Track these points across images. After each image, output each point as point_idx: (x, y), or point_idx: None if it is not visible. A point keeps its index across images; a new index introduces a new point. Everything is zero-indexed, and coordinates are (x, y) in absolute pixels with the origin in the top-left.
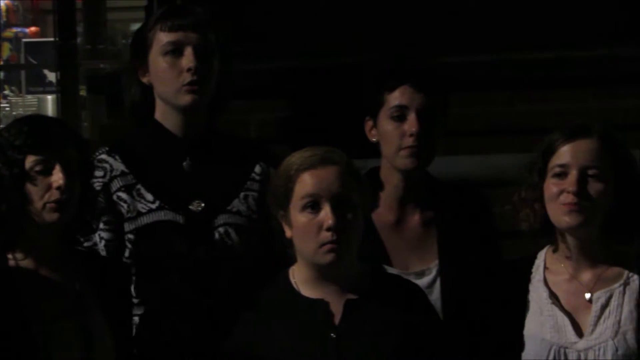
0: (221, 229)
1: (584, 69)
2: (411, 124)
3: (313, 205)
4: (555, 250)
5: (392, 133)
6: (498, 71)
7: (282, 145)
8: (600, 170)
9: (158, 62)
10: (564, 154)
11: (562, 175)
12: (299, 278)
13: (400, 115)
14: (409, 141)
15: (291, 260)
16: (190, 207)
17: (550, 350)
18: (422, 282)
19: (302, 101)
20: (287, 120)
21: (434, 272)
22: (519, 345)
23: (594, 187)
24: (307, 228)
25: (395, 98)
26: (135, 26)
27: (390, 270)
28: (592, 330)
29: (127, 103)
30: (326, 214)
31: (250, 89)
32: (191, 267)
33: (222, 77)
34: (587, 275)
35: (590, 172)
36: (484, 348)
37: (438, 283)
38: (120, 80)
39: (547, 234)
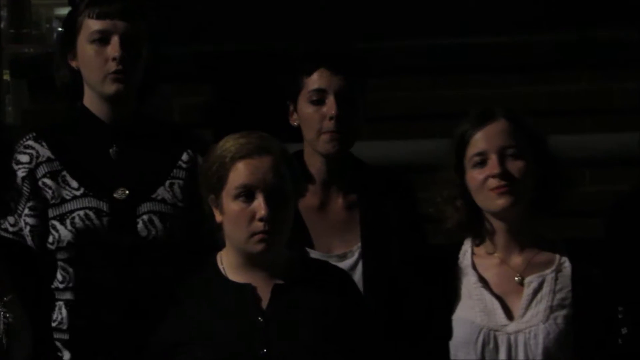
0: (145, 217)
1: (508, 54)
2: (330, 107)
3: (246, 194)
4: (479, 244)
5: (312, 117)
6: (422, 56)
7: (205, 130)
8: (517, 149)
9: (85, 49)
10: (478, 141)
11: (482, 163)
12: (227, 263)
13: (319, 98)
14: (329, 125)
15: (218, 247)
16: (115, 195)
17: (480, 333)
18: (344, 264)
19: (226, 86)
20: (210, 105)
21: (356, 255)
22: (448, 329)
23: (516, 165)
24: (239, 217)
25: (314, 82)
26: (60, 10)
27: (313, 253)
28: (523, 314)
29: (57, 87)
30: (259, 204)
31: (174, 74)
32: (114, 254)
33: (150, 63)
34: (517, 260)
35: (509, 151)
36: (412, 332)
37: (360, 266)
38: (44, 65)
39: (472, 227)
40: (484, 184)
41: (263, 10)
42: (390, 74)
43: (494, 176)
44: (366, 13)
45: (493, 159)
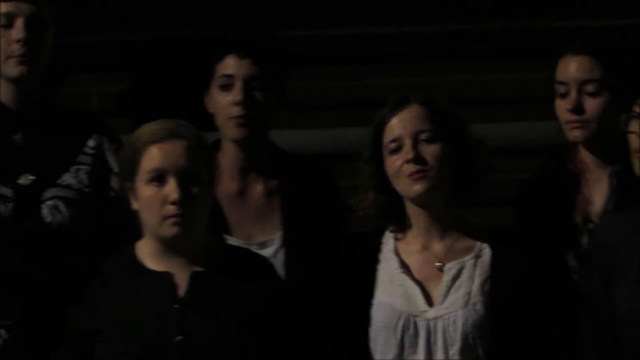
0: (50, 203)
1: (427, 44)
2: (236, 92)
3: (159, 178)
4: (401, 230)
5: (221, 103)
6: (344, 45)
7: (124, 119)
8: (432, 133)
9: None
10: (393, 127)
11: (398, 149)
12: (145, 251)
13: (227, 84)
14: (235, 110)
15: (127, 233)
16: (19, 180)
17: (400, 318)
18: (265, 252)
19: (145, 74)
20: (129, 93)
21: (277, 243)
22: (369, 313)
23: (430, 150)
24: (151, 201)
25: (223, 67)
26: None
27: (232, 241)
28: (443, 300)
29: None
30: (171, 188)
31: (92, 62)
32: (19, 239)
33: (58, 50)
34: (438, 246)
35: (422, 136)
36: (333, 318)
37: (281, 254)
38: None
39: (393, 215)
40: (400, 170)
41: None
42: (314, 63)
43: (408, 161)
44: (293, 1)
45: (407, 144)
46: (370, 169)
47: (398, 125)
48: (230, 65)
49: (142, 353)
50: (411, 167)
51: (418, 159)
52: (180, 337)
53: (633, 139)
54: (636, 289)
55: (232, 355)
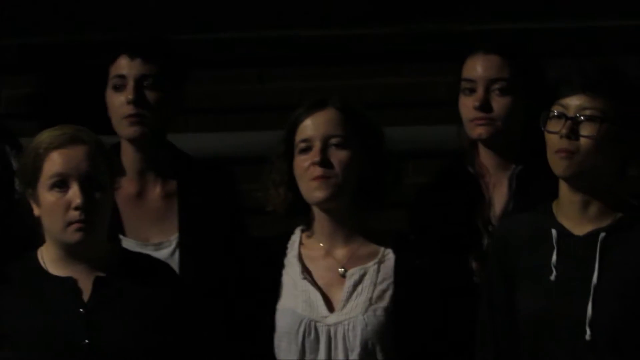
0: None
1: (333, 47)
2: (128, 92)
3: (61, 184)
4: (306, 230)
5: (114, 103)
6: (247, 49)
7: (30, 122)
8: (343, 139)
9: None
10: (306, 128)
11: (307, 150)
12: (48, 257)
13: (120, 85)
14: (127, 109)
15: (30, 240)
16: None
17: (301, 323)
18: (160, 254)
19: (52, 78)
20: (35, 96)
21: (173, 245)
22: (273, 318)
23: (339, 155)
24: (54, 207)
25: (115, 69)
26: None
27: (128, 241)
28: (343, 306)
29: None
30: (74, 193)
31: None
32: None
33: None
34: (341, 252)
35: (333, 141)
36: (235, 321)
37: (177, 255)
38: None
39: (299, 215)
40: (306, 171)
41: (91, 2)
42: (215, 67)
43: (314, 164)
44: (190, 4)
45: (316, 146)
46: (282, 165)
47: (311, 126)
48: (122, 65)
49: (49, 358)
50: (317, 171)
51: (324, 162)
52: (87, 341)
53: (552, 139)
54: (537, 290)
55: (139, 358)
